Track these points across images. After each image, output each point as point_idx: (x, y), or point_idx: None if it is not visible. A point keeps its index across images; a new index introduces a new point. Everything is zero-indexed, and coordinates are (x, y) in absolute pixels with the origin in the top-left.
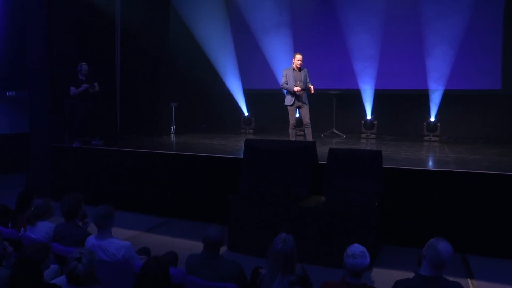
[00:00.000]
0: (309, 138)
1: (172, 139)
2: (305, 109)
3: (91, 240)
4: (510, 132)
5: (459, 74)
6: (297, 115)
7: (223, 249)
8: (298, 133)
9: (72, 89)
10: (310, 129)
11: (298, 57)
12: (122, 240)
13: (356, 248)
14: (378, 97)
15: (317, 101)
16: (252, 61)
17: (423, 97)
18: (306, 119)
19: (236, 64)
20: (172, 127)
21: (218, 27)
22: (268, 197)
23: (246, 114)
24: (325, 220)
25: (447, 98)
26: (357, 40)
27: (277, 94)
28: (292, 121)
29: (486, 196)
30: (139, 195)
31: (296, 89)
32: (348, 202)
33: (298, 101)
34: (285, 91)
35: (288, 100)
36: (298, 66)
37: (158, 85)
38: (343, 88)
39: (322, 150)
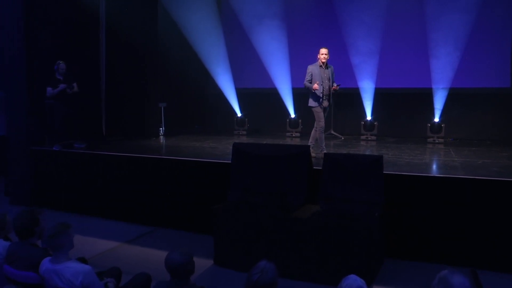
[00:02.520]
0: (322, 144)
1: (161, 141)
2: (327, 112)
3: (45, 264)
4: None
5: (465, 72)
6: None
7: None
8: (293, 135)
9: (49, 89)
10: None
11: (322, 51)
12: (104, 250)
13: (353, 282)
14: (379, 96)
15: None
16: (245, 59)
17: (427, 96)
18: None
19: (228, 62)
20: (161, 129)
21: (209, 24)
22: (259, 207)
23: (239, 114)
24: (321, 233)
25: (452, 97)
26: (356, 36)
27: (272, 94)
28: (321, 124)
29: (497, 205)
30: (124, 202)
31: (315, 86)
32: (346, 213)
33: (325, 102)
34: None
35: (313, 101)
36: (324, 61)
37: (146, 84)
38: (341, 87)
39: (318, 154)
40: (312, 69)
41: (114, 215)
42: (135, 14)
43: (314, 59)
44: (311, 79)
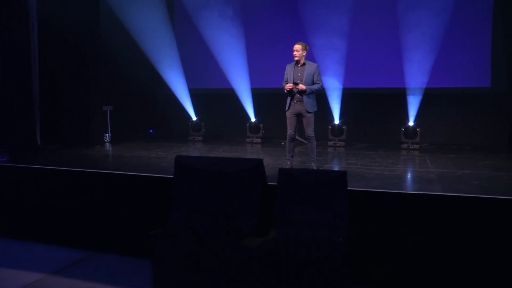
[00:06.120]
0: (311, 154)
1: (106, 149)
2: (307, 119)
3: None
4: (502, 137)
5: (442, 70)
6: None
7: None
8: (254, 140)
9: None
10: (313, 143)
11: (294, 47)
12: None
13: None
14: (347, 97)
15: (275, 102)
16: (198, 56)
17: (400, 97)
18: (307, 131)
19: (179, 59)
20: (106, 135)
21: (156, 19)
22: (203, 232)
23: (194, 118)
24: (274, 263)
25: (428, 98)
26: (321, 31)
27: (229, 95)
28: (288, 131)
29: (479, 227)
30: (54, 223)
31: (287, 86)
32: (304, 240)
33: (296, 106)
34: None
35: (286, 104)
36: (296, 58)
37: (88, 85)
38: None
39: (279, 165)
40: (287, 68)
41: (42, 238)
42: (73, 8)
43: (274, 57)
44: (287, 79)
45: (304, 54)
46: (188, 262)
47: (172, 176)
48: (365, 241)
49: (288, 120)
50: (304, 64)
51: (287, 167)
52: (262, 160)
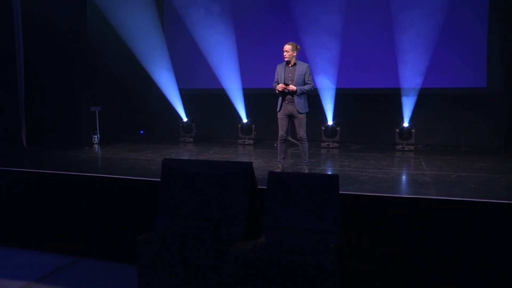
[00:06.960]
0: (303, 157)
1: (95, 150)
2: (298, 120)
3: None
4: (498, 138)
5: (438, 71)
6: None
7: None
8: (246, 142)
9: None
10: (305, 145)
11: (284, 47)
12: None
13: None
14: (341, 98)
15: (267, 103)
16: (189, 56)
17: (395, 98)
18: (299, 132)
19: (169, 59)
20: (95, 136)
21: (145, 18)
22: (190, 238)
23: (185, 119)
24: (263, 271)
25: (423, 99)
26: (313, 29)
27: (220, 95)
28: (280, 132)
29: (477, 231)
30: (40, 227)
31: (279, 86)
32: (294, 246)
33: (288, 106)
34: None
35: (278, 105)
36: (286, 59)
37: (75, 86)
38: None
39: (270, 167)
40: (277, 68)
41: (25, 244)
42: (59, 7)
43: (265, 57)
44: (278, 79)
45: (295, 54)
46: (174, 268)
47: (158, 180)
48: (357, 247)
49: (279, 121)
50: (295, 64)
51: (278, 169)
52: (251, 163)
